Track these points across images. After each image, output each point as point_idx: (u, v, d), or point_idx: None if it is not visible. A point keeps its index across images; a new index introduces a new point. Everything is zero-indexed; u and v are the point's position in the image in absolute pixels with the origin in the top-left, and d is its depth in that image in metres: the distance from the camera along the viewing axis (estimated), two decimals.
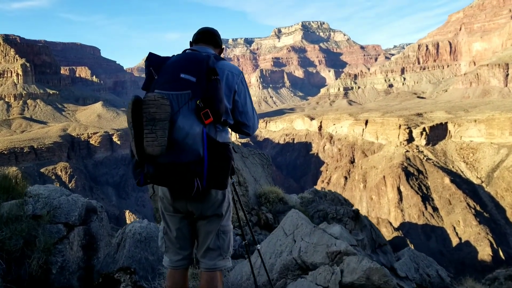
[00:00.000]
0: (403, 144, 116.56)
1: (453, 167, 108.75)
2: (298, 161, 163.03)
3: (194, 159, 2.91)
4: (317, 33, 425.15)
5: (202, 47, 3.62)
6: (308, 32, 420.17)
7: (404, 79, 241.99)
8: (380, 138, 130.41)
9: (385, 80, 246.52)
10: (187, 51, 3.51)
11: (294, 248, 7.08)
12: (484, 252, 79.02)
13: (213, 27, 3.92)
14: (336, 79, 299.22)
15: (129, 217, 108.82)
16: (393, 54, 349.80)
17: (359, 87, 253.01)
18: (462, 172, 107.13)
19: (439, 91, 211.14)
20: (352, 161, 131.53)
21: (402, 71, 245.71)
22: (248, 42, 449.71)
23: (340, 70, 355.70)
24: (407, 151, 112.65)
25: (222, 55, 3.81)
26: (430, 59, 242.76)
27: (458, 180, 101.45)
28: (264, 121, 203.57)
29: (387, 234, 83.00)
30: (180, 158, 2.90)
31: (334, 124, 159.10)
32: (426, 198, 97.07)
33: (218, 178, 3.04)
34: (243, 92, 3.51)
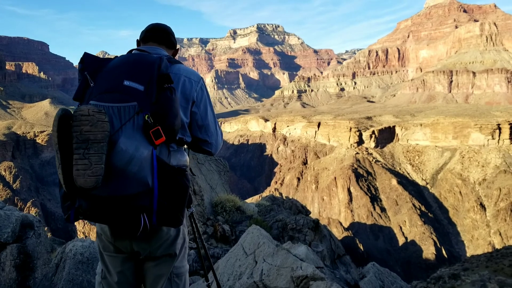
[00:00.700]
0: (354, 146, 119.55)
1: (400, 169, 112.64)
2: (252, 162, 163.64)
3: (140, 191, 2.31)
4: (272, 36, 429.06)
5: (152, 47, 3.00)
6: (263, 34, 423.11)
7: (355, 83, 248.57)
8: (332, 140, 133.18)
9: (337, 84, 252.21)
10: (133, 52, 2.88)
11: (255, 270, 6.34)
12: (428, 251, 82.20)
13: (166, 24, 3.27)
14: (290, 81, 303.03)
15: (80, 225, 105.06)
16: (345, 59, 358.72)
17: (312, 90, 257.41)
18: (408, 174, 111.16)
19: (387, 95, 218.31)
20: (304, 163, 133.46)
21: (353, 75, 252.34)
22: (204, 42, 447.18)
23: (294, 73, 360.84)
24: (357, 153, 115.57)
25: (176, 57, 3.19)
26: (380, 64, 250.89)
27: (405, 182, 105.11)
28: (219, 122, 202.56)
29: (338, 234, 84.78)
30: (122, 189, 2.28)
31: (288, 126, 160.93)
32: (374, 198, 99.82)
33: (171, 213, 2.47)
34: (204, 102, 2.93)
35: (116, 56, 2.72)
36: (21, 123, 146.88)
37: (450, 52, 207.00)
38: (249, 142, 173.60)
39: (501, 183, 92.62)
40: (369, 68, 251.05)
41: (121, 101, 2.39)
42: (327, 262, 10.59)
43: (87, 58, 2.66)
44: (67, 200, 2.37)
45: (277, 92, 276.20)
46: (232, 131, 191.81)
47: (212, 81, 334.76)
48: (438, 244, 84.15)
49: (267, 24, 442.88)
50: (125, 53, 3.00)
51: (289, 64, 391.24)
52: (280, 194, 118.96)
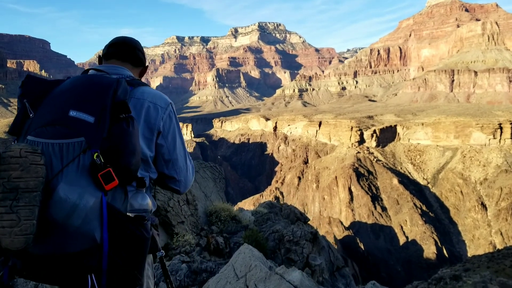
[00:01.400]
0: (355, 145, 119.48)
1: (401, 168, 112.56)
2: (253, 161, 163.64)
3: (85, 248, 1.89)
4: (274, 34, 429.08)
5: (113, 66, 2.56)
6: (264, 33, 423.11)
7: (357, 82, 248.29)
8: (333, 140, 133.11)
9: (339, 83, 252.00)
10: (89, 72, 2.45)
11: None
12: (429, 251, 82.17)
13: (133, 37, 2.80)
14: (292, 80, 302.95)
15: None
16: (346, 58, 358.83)
17: (313, 89, 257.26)
18: (409, 173, 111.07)
19: (389, 94, 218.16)
20: (305, 162, 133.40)
21: (355, 74, 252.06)
22: (205, 40, 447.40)
23: (296, 71, 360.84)
24: (358, 152, 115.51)
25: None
26: (381, 63, 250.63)
27: (406, 181, 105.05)
28: (219, 120, 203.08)
29: (338, 233, 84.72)
30: (63, 247, 1.88)
31: (289, 125, 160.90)
32: (375, 198, 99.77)
33: (126, 273, 2.02)
34: (172, 133, 2.50)
35: (69, 77, 2.29)
36: None
37: (452, 51, 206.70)
38: (250, 141, 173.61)
39: (502, 182, 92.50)
40: (370, 67, 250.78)
41: (64, 136, 1.95)
42: (326, 275, 10.24)
43: (28, 81, 2.22)
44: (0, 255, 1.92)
45: (278, 91, 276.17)
46: (233, 130, 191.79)
47: (213, 79, 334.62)
48: (439, 244, 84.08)
49: (269, 23, 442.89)
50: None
51: (291, 63, 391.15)
52: (281, 193, 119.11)
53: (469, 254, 78.41)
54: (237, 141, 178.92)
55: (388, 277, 76.55)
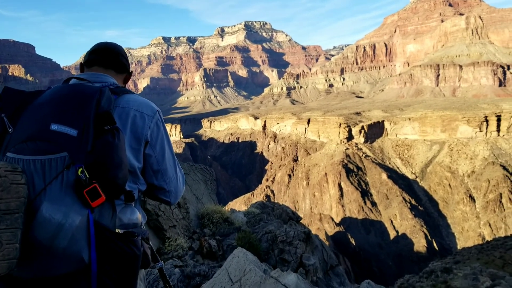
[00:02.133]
0: (343, 142, 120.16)
1: (389, 163, 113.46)
2: (243, 160, 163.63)
3: (73, 269, 1.78)
4: (260, 33, 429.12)
5: (95, 74, 2.44)
6: (251, 32, 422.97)
7: (344, 79, 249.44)
8: (322, 137, 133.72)
9: (326, 80, 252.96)
10: (71, 81, 2.29)
11: None
12: (420, 244, 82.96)
13: (115, 43, 2.68)
14: (279, 78, 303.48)
15: None
16: (333, 55, 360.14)
17: (301, 87, 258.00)
18: (398, 168, 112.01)
19: (376, 90, 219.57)
20: (295, 159, 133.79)
21: (342, 71, 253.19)
22: (191, 41, 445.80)
23: (283, 70, 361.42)
24: (347, 148, 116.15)
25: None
26: (368, 60, 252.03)
27: (395, 176, 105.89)
28: (208, 120, 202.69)
29: (330, 229, 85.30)
30: (49, 270, 1.76)
31: (278, 123, 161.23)
32: (365, 193, 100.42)
33: None
34: (160, 142, 2.40)
35: (50, 87, 2.16)
36: None
37: (437, 46, 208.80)
38: (240, 140, 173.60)
39: (489, 174, 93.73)
40: (357, 63, 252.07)
41: (46, 152, 1.82)
42: (320, 275, 10.28)
43: (6, 94, 2.07)
44: None
45: (266, 90, 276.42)
46: (222, 129, 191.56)
47: (200, 79, 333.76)
48: (429, 237, 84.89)
49: (255, 22, 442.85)
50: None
51: (278, 61, 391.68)
52: (272, 191, 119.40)
53: (458, 247, 79.30)
54: (226, 141, 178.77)
55: (380, 272, 77.27)
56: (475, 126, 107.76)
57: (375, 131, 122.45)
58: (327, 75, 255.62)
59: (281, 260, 10.47)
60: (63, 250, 1.73)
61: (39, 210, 1.72)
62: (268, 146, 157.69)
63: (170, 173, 2.48)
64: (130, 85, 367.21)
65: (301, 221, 18.18)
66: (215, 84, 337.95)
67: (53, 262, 1.74)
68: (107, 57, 2.55)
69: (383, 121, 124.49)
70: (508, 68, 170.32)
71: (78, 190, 1.78)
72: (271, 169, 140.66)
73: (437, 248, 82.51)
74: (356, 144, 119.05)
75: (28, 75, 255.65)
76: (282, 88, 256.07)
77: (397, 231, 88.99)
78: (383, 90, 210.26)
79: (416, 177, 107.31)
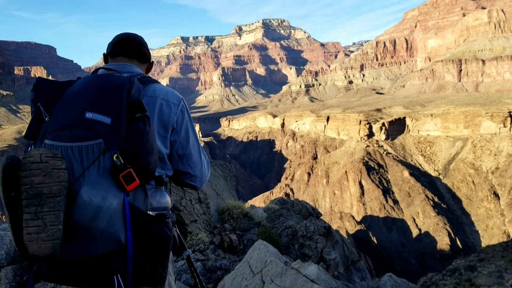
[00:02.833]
0: (364, 139, 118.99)
1: (411, 160, 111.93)
2: (262, 159, 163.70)
3: (111, 249, 1.87)
4: (278, 31, 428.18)
5: (121, 64, 2.51)
6: (269, 29, 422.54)
7: (363, 75, 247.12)
8: (342, 134, 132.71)
9: (345, 77, 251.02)
10: (99, 72, 2.39)
11: None
12: (443, 242, 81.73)
13: (136, 33, 2.73)
14: (298, 76, 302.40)
15: None
16: (352, 51, 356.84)
17: (320, 84, 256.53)
18: (420, 165, 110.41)
19: (396, 86, 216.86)
20: (314, 157, 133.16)
21: (361, 67, 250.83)
22: (209, 40, 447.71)
23: (301, 67, 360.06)
24: (368, 146, 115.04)
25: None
26: (388, 55, 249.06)
27: (417, 173, 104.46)
28: (227, 119, 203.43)
29: (350, 228, 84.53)
30: (89, 250, 1.85)
31: (296, 121, 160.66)
32: (386, 191, 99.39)
33: (151, 272, 2.00)
34: (185, 128, 2.52)
35: (79, 78, 2.25)
36: None
37: (459, 41, 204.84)
38: (258, 139, 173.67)
39: None
40: (377, 59, 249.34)
41: (83, 139, 1.91)
42: (341, 270, 10.21)
43: (40, 84, 2.18)
44: (24, 260, 1.84)
45: (284, 88, 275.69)
46: (240, 128, 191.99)
47: (219, 78, 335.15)
48: (453, 235, 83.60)
49: (273, 19, 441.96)
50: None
51: (296, 59, 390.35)
52: (291, 189, 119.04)
53: (483, 244, 77.95)
54: (245, 139, 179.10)
55: (402, 270, 76.31)
56: (499, 121, 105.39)
57: (396, 127, 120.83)
58: (347, 72, 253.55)
59: (302, 255, 10.34)
60: (101, 232, 1.83)
61: (79, 193, 1.81)
62: (287, 144, 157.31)
63: (195, 158, 2.59)
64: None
65: (321, 218, 17.88)
66: (233, 83, 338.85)
67: (92, 243, 1.84)
68: (130, 48, 2.62)
69: (404, 118, 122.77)
70: None
71: (114, 175, 1.88)
72: (290, 167, 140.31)
73: (460, 246, 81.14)
74: (377, 141, 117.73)
75: (50, 76, 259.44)
76: (300, 86, 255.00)
77: (419, 229, 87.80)
78: (404, 86, 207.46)
79: (439, 174, 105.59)
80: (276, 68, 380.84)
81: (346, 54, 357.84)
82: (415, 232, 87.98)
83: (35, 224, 1.70)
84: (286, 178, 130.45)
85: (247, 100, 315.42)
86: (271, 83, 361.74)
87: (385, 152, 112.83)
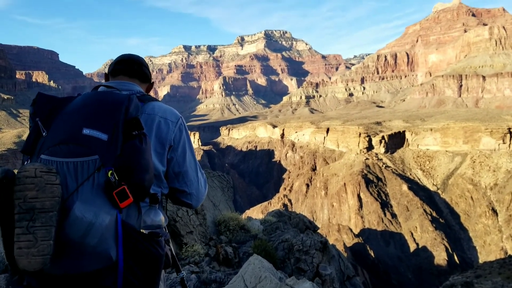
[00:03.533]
0: (363, 152, 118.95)
1: (410, 174, 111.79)
2: (261, 169, 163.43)
3: (101, 266, 1.87)
4: (280, 42, 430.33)
5: (122, 82, 2.57)
6: (271, 40, 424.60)
7: (364, 88, 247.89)
8: (341, 146, 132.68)
9: (346, 89, 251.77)
10: (100, 89, 2.40)
11: None
12: (440, 257, 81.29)
13: (138, 55, 2.82)
14: (298, 87, 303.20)
15: None
16: (353, 64, 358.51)
17: (320, 96, 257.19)
18: (419, 179, 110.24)
19: (397, 100, 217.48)
20: (313, 169, 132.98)
21: (362, 80, 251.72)
22: (211, 49, 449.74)
23: (302, 78, 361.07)
24: (367, 158, 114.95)
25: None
26: (389, 69, 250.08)
27: (415, 187, 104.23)
28: (227, 128, 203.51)
29: (348, 240, 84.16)
30: (79, 267, 1.85)
31: (296, 132, 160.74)
32: (385, 204, 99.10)
33: None
34: (182, 145, 2.52)
35: (79, 94, 2.26)
36: None
37: (460, 56, 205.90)
38: (258, 149, 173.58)
39: None
40: (378, 73, 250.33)
41: (78, 155, 1.93)
42: (336, 285, 10.16)
43: (40, 99, 2.19)
44: (14, 274, 1.88)
45: (285, 98, 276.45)
46: (240, 137, 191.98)
47: (220, 88, 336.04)
48: (450, 250, 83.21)
49: (275, 31, 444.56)
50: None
51: (297, 70, 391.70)
52: (289, 200, 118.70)
53: (480, 261, 77.56)
54: (244, 149, 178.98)
55: (399, 285, 75.85)
56: (498, 138, 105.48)
57: (395, 141, 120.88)
58: (347, 84, 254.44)
59: (297, 269, 10.29)
60: (92, 248, 1.82)
61: (72, 209, 1.81)
62: (286, 155, 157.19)
63: (191, 176, 2.58)
64: (151, 93, 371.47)
65: (319, 232, 17.80)
66: (234, 92, 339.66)
67: (83, 259, 1.83)
68: (132, 67, 2.69)
69: (404, 131, 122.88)
70: None
71: (108, 191, 1.88)
72: (288, 178, 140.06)
73: (458, 262, 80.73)
74: (376, 154, 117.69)
75: (52, 81, 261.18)
76: (301, 97, 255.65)
77: (417, 244, 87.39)
78: (404, 100, 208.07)
79: (438, 189, 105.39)
80: (277, 79, 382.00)
81: (347, 67, 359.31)
82: (412, 247, 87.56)
83: (26, 238, 1.70)
84: (285, 188, 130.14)
85: (248, 110, 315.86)
86: (271, 94, 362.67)
87: (384, 166, 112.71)
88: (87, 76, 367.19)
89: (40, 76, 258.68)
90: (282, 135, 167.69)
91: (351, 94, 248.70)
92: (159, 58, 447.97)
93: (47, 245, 1.71)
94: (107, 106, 2.09)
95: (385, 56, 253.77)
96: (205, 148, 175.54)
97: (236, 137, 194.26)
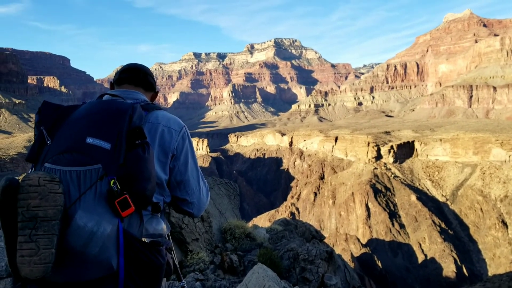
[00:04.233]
0: (372, 161, 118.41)
1: (419, 184, 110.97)
2: (269, 176, 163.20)
3: (102, 275, 1.89)
4: (289, 50, 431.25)
5: (126, 91, 2.59)
6: (280, 49, 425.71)
7: (373, 97, 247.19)
8: (350, 155, 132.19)
9: (355, 98, 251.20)
10: (104, 97, 2.45)
11: None
12: (449, 269, 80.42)
13: (143, 64, 2.83)
14: (307, 95, 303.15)
15: None
16: (362, 73, 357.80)
17: (329, 104, 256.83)
18: (428, 190, 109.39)
19: (406, 110, 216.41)
20: (321, 177, 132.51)
21: (371, 89, 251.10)
22: (221, 57, 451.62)
23: (311, 87, 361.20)
24: (376, 168, 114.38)
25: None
26: (398, 79, 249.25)
27: (424, 198, 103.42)
28: (235, 135, 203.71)
29: (355, 250, 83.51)
30: (80, 275, 1.87)
31: (304, 140, 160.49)
32: (393, 215, 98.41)
33: None
34: (184, 154, 2.52)
35: (84, 103, 2.29)
36: None
37: (470, 67, 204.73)
38: (266, 156, 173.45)
39: None
40: (387, 82, 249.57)
41: (82, 163, 1.95)
42: None
43: (45, 108, 2.21)
44: (17, 281, 1.88)
45: (294, 106, 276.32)
46: (248, 145, 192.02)
47: (229, 95, 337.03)
48: (459, 262, 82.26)
49: (285, 39, 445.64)
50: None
51: (306, 78, 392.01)
52: (297, 209, 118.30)
53: (489, 273, 76.53)
54: (252, 156, 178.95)
55: None
56: (509, 149, 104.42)
57: (404, 151, 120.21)
58: (356, 93, 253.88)
59: (302, 279, 10.25)
60: (94, 257, 1.84)
61: (74, 218, 1.83)
62: (294, 163, 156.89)
63: (193, 185, 2.57)
64: (160, 99, 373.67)
65: (326, 241, 17.73)
66: (243, 100, 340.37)
67: (84, 267, 1.85)
68: (137, 76, 2.70)
69: (413, 141, 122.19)
70: None
71: (110, 200, 1.90)
72: (296, 186, 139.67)
73: (466, 274, 79.72)
74: (385, 164, 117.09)
75: (63, 86, 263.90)
76: (310, 105, 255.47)
77: (425, 255, 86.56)
78: (413, 110, 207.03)
79: (447, 200, 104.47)
80: (286, 87, 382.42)
81: (356, 76, 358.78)
82: (420, 258, 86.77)
83: (28, 247, 1.71)
84: (292, 197, 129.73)
85: (256, 117, 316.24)
86: (280, 102, 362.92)
87: (392, 175, 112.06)
88: (97, 81, 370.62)
89: (51, 81, 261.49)
90: (291, 143, 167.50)
91: (360, 103, 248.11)
92: (169, 65, 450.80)
93: (49, 253, 1.73)
94: (111, 115, 2.10)
95: (395, 66, 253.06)
96: (214, 155, 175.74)
97: (244, 145, 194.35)
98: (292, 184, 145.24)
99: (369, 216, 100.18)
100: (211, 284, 8.42)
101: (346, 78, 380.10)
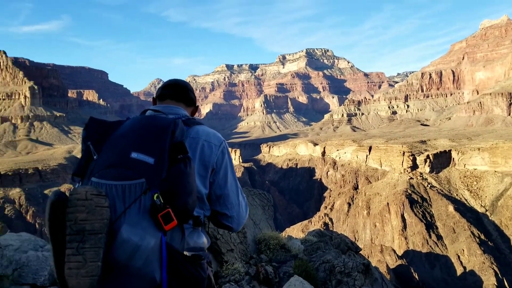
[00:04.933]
0: (407, 171, 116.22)
1: (457, 195, 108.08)
2: (301, 186, 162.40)
3: None
4: (321, 60, 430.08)
5: (168, 107, 2.68)
6: (312, 59, 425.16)
7: (408, 106, 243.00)
8: (384, 165, 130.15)
9: (389, 107, 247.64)
10: (147, 113, 2.56)
11: None
12: (489, 282, 77.73)
13: (185, 80, 2.96)
14: (340, 105, 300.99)
15: None
16: (396, 82, 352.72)
17: (362, 114, 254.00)
18: (466, 200, 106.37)
19: (442, 118, 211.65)
20: (355, 188, 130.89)
21: (406, 98, 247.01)
22: (253, 68, 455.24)
23: (344, 96, 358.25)
24: (411, 178, 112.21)
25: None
26: (434, 87, 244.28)
27: (462, 208, 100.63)
28: (267, 145, 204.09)
29: (391, 262, 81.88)
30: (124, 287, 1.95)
31: (337, 150, 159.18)
32: (430, 226, 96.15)
33: None
34: (224, 168, 2.56)
35: (128, 118, 2.40)
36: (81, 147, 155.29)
37: (509, 74, 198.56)
38: (298, 166, 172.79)
39: None
40: (422, 90, 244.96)
41: (126, 178, 2.01)
42: None
43: (91, 124, 2.31)
44: None
45: (326, 116, 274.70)
46: (280, 155, 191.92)
47: (261, 105, 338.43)
48: (500, 275, 79.33)
49: (316, 49, 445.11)
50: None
51: (339, 88, 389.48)
52: (330, 219, 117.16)
53: None
54: (284, 166, 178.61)
55: None
56: None
57: (441, 160, 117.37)
58: (390, 102, 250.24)
59: None
60: (138, 270, 1.90)
61: (119, 232, 1.89)
62: (327, 173, 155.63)
63: (232, 199, 2.58)
64: None
65: (361, 252, 17.57)
66: (275, 110, 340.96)
67: (128, 281, 1.91)
68: (178, 92, 2.79)
69: (450, 151, 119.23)
70: None
71: (154, 214, 1.95)
72: (329, 196, 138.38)
73: (508, 287, 76.88)
74: (421, 173, 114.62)
75: (101, 100, 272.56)
76: (342, 115, 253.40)
77: (464, 267, 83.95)
78: (450, 118, 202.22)
79: (486, 210, 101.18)
80: (318, 97, 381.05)
81: (390, 85, 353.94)
82: (459, 270, 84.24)
83: (76, 259, 1.77)
84: (326, 207, 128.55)
85: (288, 127, 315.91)
86: (312, 111, 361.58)
87: (429, 185, 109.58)
88: (134, 94, 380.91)
89: (90, 95, 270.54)
90: (323, 153, 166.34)
91: (394, 112, 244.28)
92: (202, 77, 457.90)
93: (96, 266, 1.78)
94: (154, 130, 2.17)
95: (430, 74, 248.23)
96: (246, 165, 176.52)
97: (276, 155, 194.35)
98: (325, 194, 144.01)
99: (405, 227, 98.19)
100: None
101: (379, 87, 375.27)
